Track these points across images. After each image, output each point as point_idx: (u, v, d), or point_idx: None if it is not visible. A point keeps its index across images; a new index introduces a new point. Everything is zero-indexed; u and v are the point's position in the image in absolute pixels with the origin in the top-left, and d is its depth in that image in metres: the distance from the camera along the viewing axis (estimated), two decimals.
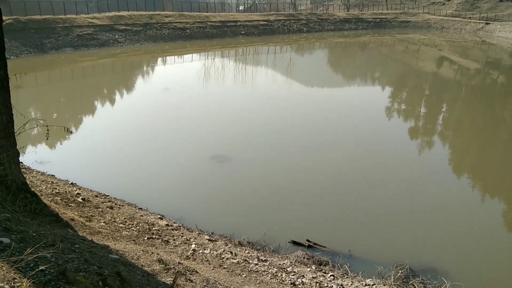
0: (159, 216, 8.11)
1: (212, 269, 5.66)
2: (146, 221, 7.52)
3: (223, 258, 6.22)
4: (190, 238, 7.16)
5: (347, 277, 6.24)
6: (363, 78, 28.30)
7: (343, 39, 49.61)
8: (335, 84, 25.89)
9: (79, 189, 8.62)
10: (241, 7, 71.51)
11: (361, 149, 12.32)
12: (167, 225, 7.63)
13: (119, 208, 8.04)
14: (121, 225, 6.94)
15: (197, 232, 7.70)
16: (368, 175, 10.30)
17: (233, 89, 22.08)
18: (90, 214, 7.01)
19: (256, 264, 6.15)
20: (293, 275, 6.00)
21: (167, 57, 33.91)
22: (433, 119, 17.58)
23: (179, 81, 23.49)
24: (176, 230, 7.55)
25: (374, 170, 10.62)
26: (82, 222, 6.27)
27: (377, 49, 42.97)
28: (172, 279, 4.20)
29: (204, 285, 4.57)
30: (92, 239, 5.00)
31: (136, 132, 13.82)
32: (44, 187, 7.62)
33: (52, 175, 9.45)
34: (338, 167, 10.84)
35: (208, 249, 6.50)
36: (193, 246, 6.55)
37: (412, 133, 15.15)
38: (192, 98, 19.00)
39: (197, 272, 4.99)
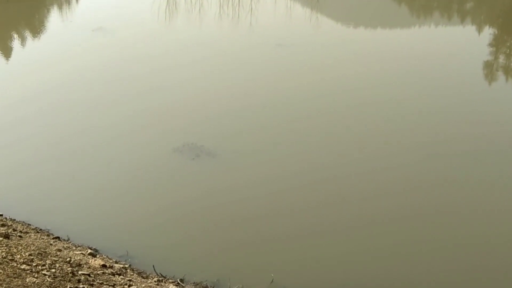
0: (90, 251, 8.20)
1: None
2: (68, 259, 7.61)
3: None
4: None
5: None
6: (444, 11, 28.12)
7: None
8: (394, 21, 25.71)
9: None
10: None
11: (441, 140, 12.48)
12: (104, 266, 7.74)
13: (21, 237, 8.08)
14: (24, 266, 7.02)
15: (155, 279, 7.74)
16: (444, 195, 10.46)
17: (217, 31, 21.89)
18: None
19: None
20: None
21: None
22: None
23: (122, 17, 23.35)
24: (119, 274, 7.65)
25: (458, 186, 10.79)
26: None
27: None
28: None
29: None
30: None
31: (47, 104, 13.77)
32: None
33: None
34: (391, 175, 11.02)
35: None
36: None
37: None
38: (145, 47, 18.86)
39: None
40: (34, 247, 7.70)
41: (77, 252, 8.01)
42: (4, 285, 6.35)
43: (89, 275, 7.28)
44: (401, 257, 8.81)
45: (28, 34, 21.42)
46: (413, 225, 9.53)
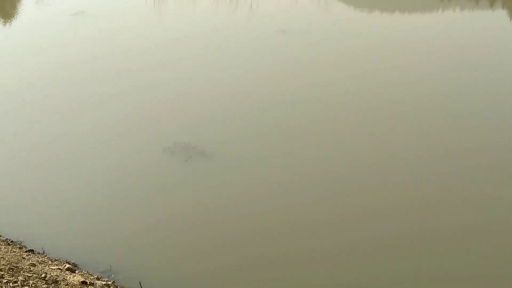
0: (68, 265, 7.82)
1: None
2: (43, 275, 7.29)
3: None
4: None
5: None
6: None
7: None
8: (414, 5, 25.26)
9: None
10: None
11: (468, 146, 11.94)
12: (84, 283, 7.41)
13: None
14: None
15: None
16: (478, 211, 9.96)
17: (213, 16, 21.59)
18: None
19: None
20: None
21: None
22: None
23: (105, 0, 23.17)
24: None
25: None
26: None
27: None
28: None
29: None
30: None
31: (21, 102, 13.35)
32: None
33: None
34: (415, 189, 10.46)
35: None
36: None
37: None
38: (132, 35, 18.64)
39: None
40: (4, 262, 7.41)
41: (53, 267, 7.68)
42: None
43: None
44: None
45: None
46: (431, 248, 9.07)
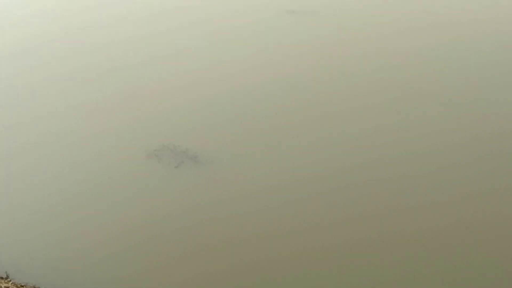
0: None
1: None
2: None
3: None
4: None
5: None
6: None
7: None
8: None
9: None
10: None
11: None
12: None
13: None
14: None
15: None
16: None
17: None
18: None
19: None
20: None
21: None
22: None
23: None
24: None
25: None
26: None
27: None
28: None
29: None
30: None
31: None
32: None
33: None
34: (437, 185, 9.91)
35: None
36: None
37: None
38: (106, 8, 17.93)
39: None
40: None
41: None
42: None
43: None
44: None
45: None
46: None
